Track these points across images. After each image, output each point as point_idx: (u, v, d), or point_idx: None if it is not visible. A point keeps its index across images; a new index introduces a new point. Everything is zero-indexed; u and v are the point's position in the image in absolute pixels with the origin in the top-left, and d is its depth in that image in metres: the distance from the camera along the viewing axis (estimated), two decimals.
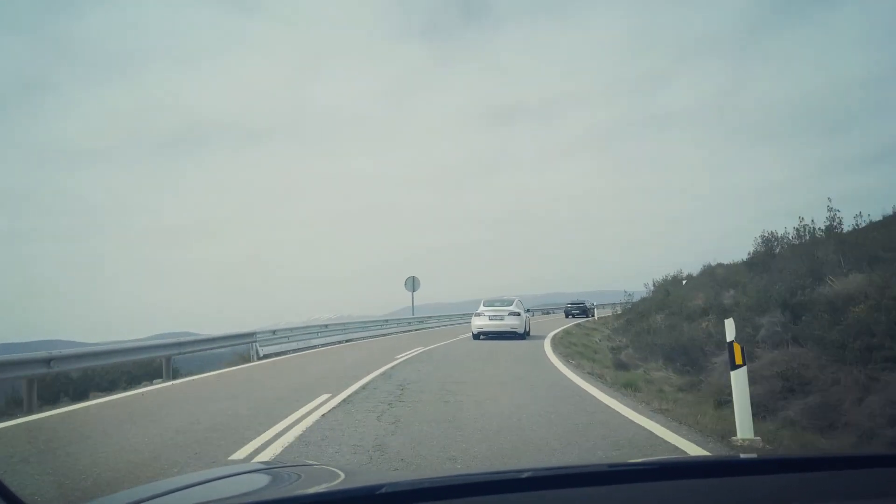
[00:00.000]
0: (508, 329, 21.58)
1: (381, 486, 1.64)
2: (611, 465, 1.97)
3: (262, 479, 2.19)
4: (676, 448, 5.77)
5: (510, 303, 22.64)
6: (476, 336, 22.18)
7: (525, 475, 1.71)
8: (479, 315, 22.26)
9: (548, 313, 56.46)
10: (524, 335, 22.07)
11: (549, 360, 14.41)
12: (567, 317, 45.07)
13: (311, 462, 4.07)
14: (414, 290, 32.20)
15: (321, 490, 1.87)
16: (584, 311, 45.90)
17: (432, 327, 33.91)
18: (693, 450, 5.66)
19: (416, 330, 31.02)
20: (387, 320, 30.50)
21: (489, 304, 22.89)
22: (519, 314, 22.10)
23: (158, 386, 11.75)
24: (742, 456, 3.54)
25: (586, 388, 9.52)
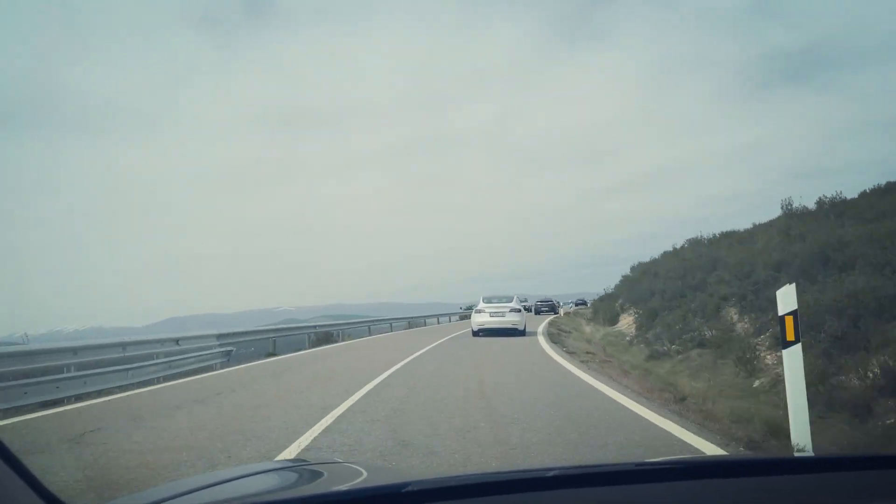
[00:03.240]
0: (510, 326, 21.18)
1: (406, 485, 1.63)
2: (638, 464, 1.91)
3: (286, 478, 2.18)
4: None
5: (510, 299, 22.27)
6: (476, 333, 21.58)
7: (551, 474, 1.70)
8: (479, 312, 21.77)
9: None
10: (523, 332, 21.74)
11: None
12: (537, 314, 47.78)
13: (337, 460, 3.90)
14: None
15: (347, 488, 1.86)
16: (552, 308, 51.11)
17: None
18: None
19: None
20: None
21: (488, 300, 22.24)
22: (519, 311, 21.90)
23: None
24: (770, 456, 3.54)
25: None
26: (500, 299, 22.41)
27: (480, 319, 21.66)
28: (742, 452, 5.05)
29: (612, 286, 39.71)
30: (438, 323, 40.65)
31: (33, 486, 1.48)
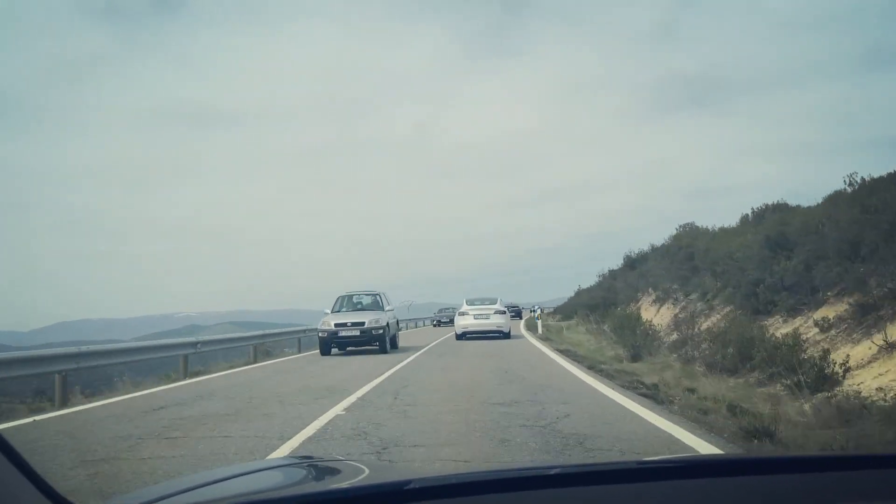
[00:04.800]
0: (495, 328, 20.80)
1: (409, 482, 1.61)
2: (639, 463, 1.91)
3: (288, 475, 2.14)
4: None
5: (494, 301, 21.86)
6: (460, 336, 20.96)
7: (553, 472, 1.69)
8: (463, 314, 21.28)
9: None
10: (508, 334, 21.16)
11: None
12: None
13: (338, 457, 3.90)
14: None
15: (350, 485, 1.85)
16: (518, 313, 50.96)
17: None
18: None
19: None
20: None
21: (471, 302, 21.84)
22: (504, 312, 21.51)
23: None
24: (771, 455, 3.54)
25: None
26: (482, 301, 21.95)
27: (464, 322, 21.16)
28: (743, 452, 5.05)
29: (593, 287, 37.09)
30: (254, 359, 15.93)
31: (37, 484, 1.47)
